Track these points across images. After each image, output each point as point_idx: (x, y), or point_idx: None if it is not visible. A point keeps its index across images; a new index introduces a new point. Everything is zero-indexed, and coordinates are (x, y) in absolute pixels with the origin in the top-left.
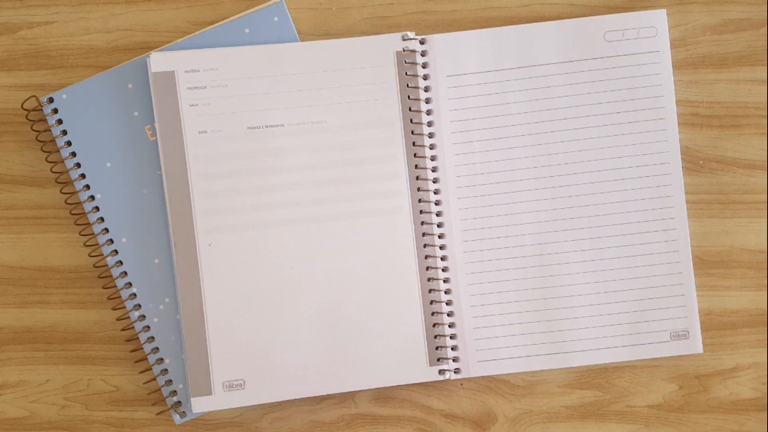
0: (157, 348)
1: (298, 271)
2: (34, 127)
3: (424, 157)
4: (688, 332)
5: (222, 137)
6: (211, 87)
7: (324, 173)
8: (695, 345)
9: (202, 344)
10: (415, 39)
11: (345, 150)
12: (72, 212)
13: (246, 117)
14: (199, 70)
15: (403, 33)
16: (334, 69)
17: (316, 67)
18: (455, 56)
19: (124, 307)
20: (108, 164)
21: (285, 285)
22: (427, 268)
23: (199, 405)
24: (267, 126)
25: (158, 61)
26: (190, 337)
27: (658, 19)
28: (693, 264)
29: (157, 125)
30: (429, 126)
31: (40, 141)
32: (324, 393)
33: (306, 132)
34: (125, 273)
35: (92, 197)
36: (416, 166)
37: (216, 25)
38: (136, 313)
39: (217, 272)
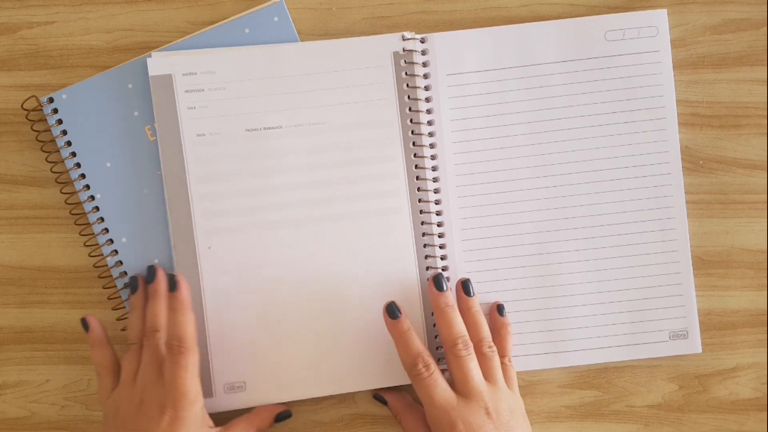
0: None
1: (298, 273)
2: (34, 127)
3: (423, 157)
4: (687, 332)
5: (220, 140)
6: (209, 90)
7: (323, 174)
8: (694, 345)
9: (202, 346)
10: (415, 38)
11: (344, 151)
12: (72, 212)
13: (244, 119)
14: (196, 73)
15: (402, 33)
16: (331, 70)
17: (314, 68)
18: (455, 55)
19: (124, 307)
20: (108, 164)
21: (285, 286)
22: (427, 268)
23: None
24: (265, 128)
25: (156, 65)
26: None
27: (659, 18)
28: (693, 264)
29: (157, 128)
30: (429, 125)
31: (40, 141)
32: (325, 394)
33: (305, 133)
34: (125, 273)
35: (92, 197)
36: (416, 166)
37: (216, 25)
38: None
39: (217, 274)
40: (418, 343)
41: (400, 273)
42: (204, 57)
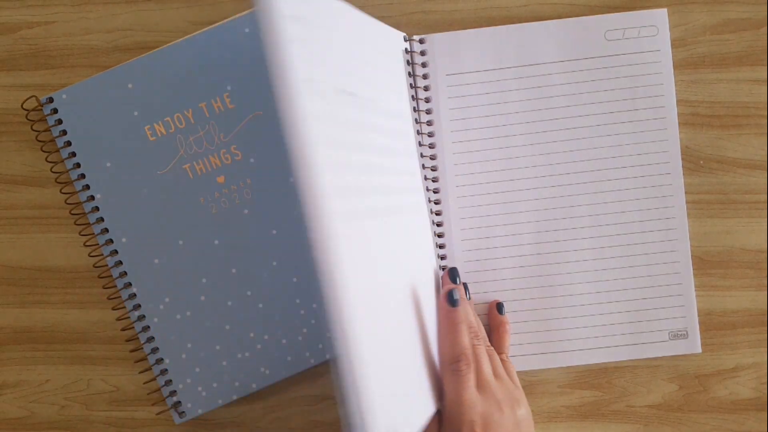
0: (157, 348)
1: (407, 268)
2: (34, 127)
3: (423, 156)
4: (687, 332)
5: (318, 91)
6: (311, 27)
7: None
8: (694, 345)
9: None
10: (414, 40)
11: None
12: (72, 212)
13: (338, 75)
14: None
15: (403, 34)
16: (373, 50)
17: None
18: (455, 55)
19: (124, 307)
20: (108, 164)
21: (404, 282)
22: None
23: None
24: (353, 94)
25: None
26: (344, 375)
27: (659, 18)
28: (693, 264)
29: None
30: (428, 125)
31: (40, 141)
32: None
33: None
34: (125, 273)
35: (92, 197)
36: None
37: (216, 24)
38: (136, 313)
39: (351, 269)
40: (468, 339)
41: (428, 272)
42: None
